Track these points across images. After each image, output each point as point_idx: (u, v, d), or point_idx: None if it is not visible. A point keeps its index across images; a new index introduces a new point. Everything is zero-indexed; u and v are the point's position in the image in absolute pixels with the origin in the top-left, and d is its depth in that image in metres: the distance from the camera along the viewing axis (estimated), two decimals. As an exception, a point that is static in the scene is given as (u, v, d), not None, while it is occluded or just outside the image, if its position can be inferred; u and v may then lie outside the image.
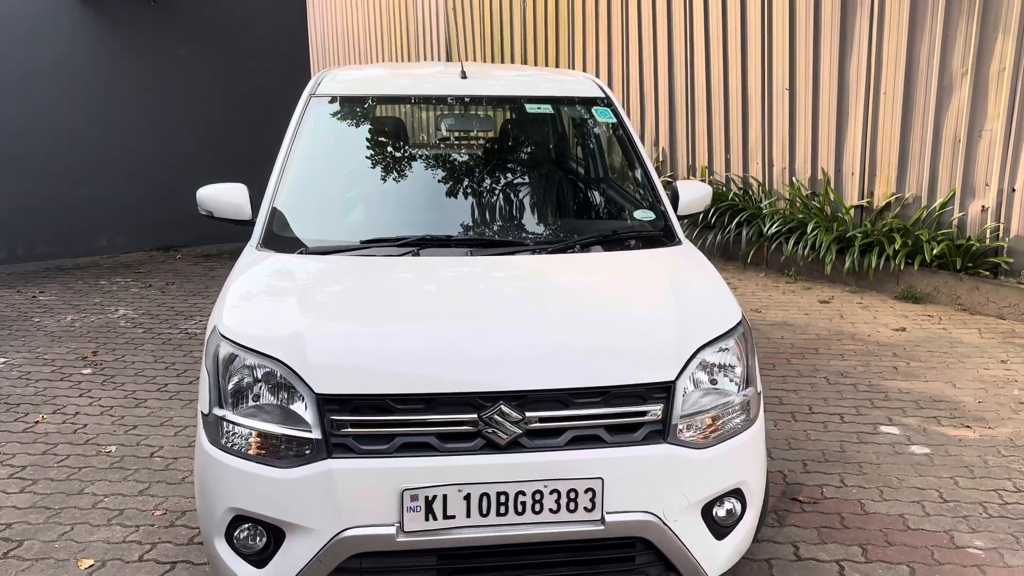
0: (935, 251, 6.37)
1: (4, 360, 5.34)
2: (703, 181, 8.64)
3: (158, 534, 3.27)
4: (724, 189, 8.32)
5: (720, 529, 2.53)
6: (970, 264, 6.34)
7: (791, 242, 7.26)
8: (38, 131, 8.13)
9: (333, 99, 3.69)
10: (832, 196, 7.29)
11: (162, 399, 4.68)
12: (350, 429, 2.31)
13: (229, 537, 2.42)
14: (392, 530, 2.28)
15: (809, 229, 7.16)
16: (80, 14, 8.32)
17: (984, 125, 6.29)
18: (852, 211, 7.18)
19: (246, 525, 2.40)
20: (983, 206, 6.34)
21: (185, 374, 5.09)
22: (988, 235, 6.29)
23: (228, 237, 8.36)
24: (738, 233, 7.86)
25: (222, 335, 2.53)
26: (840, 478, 3.71)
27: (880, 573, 3.00)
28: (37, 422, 4.36)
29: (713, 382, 2.54)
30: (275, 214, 3.22)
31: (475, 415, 2.32)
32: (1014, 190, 6.11)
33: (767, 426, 4.18)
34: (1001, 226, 6.23)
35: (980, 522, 3.34)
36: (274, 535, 2.38)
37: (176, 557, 3.11)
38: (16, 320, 6.23)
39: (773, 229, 7.44)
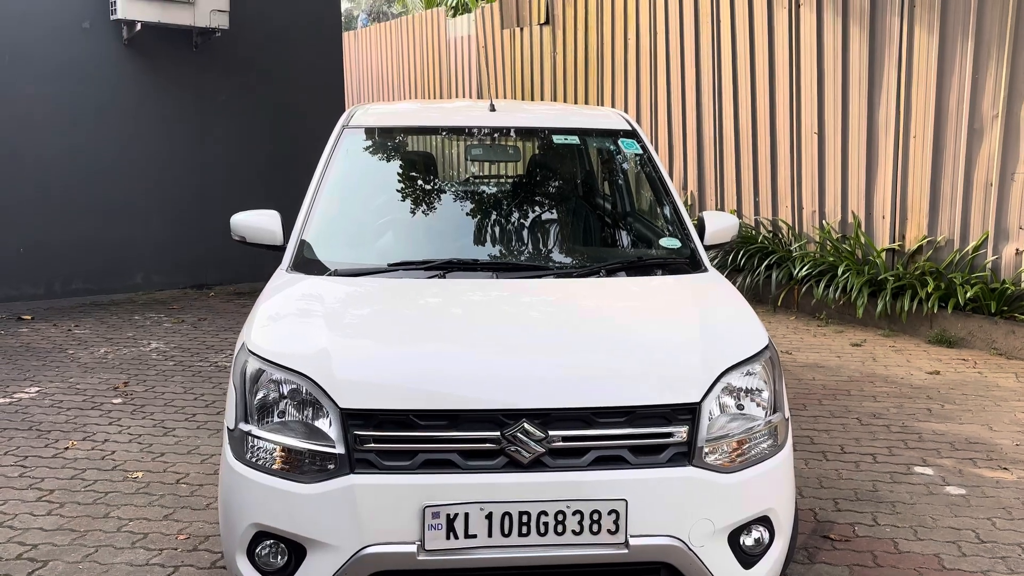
0: (969, 294, 6.27)
1: (37, 389, 5.42)
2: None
3: (181, 558, 3.27)
4: (753, 232, 8.30)
5: (747, 558, 2.48)
6: (1005, 308, 6.23)
7: (821, 285, 7.19)
8: (78, 169, 8.33)
9: (365, 130, 3.76)
10: (863, 239, 7.24)
11: (190, 428, 4.71)
12: (373, 444, 2.32)
13: (251, 554, 2.42)
14: (413, 548, 2.26)
15: (840, 272, 7.09)
16: (125, 56, 8.59)
17: (1016, 168, 6.23)
18: (883, 254, 7.11)
19: (268, 542, 2.40)
20: (1017, 249, 6.26)
21: (213, 405, 5.12)
22: (1023, 279, 6.19)
23: (261, 275, 8.43)
24: (767, 276, 7.81)
25: (250, 351, 2.56)
26: (873, 517, 3.62)
27: (914, 612, 2.91)
28: (67, 448, 4.41)
29: (739, 406, 2.52)
30: (306, 238, 3.27)
31: (498, 433, 2.31)
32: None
33: (797, 465, 4.10)
34: (1036, 270, 6.14)
35: (1019, 563, 3.24)
36: (295, 552, 2.37)
37: (198, 580, 3.11)
38: (51, 352, 6.33)
39: (803, 272, 7.38)
